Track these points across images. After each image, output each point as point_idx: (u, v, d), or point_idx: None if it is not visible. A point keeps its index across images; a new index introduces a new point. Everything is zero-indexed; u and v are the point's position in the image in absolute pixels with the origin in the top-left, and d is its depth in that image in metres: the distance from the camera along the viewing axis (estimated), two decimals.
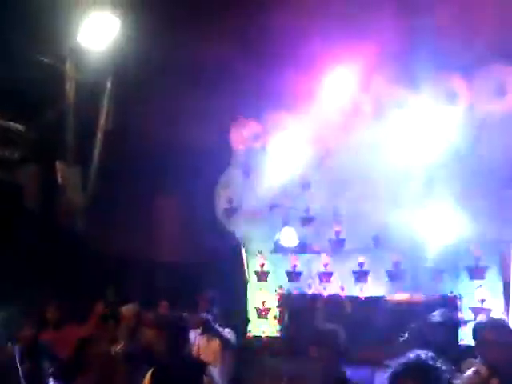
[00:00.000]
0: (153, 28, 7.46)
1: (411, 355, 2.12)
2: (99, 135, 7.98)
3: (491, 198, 5.24)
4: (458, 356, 3.16)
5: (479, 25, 5.87)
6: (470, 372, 3.03)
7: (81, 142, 8.00)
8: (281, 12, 6.71)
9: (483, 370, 2.96)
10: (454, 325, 3.54)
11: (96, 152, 8.01)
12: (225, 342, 4.80)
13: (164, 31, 7.46)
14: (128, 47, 7.55)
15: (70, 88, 7.99)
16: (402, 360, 2.11)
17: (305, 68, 6.52)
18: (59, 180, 7.59)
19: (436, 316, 3.67)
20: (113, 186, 7.70)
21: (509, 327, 2.97)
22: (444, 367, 2.10)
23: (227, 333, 5.03)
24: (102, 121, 7.99)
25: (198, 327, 4.94)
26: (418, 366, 2.07)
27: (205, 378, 3.51)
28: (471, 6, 5.60)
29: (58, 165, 7.62)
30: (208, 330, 4.86)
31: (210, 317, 5.01)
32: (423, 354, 2.13)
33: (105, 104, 7.96)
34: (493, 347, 2.91)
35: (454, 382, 3.05)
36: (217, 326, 4.99)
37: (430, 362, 2.07)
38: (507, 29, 5.55)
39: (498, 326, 2.97)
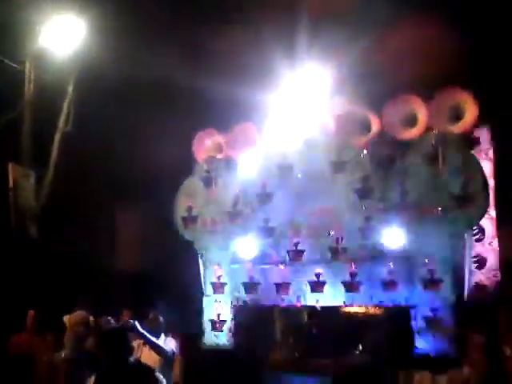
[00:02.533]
0: (117, 35, 7.49)
1: (355, 362, 2.11)
2: (57, 138, 7.80)
3: (445, 214, 5.44)
4: (412, 364, 3.20)
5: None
6: (453, 370, 3.08)
7: (38, 144, 7.80)
8: (245, 25, 6.92)
9: (466, 371, 3.02)
10: (407, 335, 3.58)
11: (53, 155, 7.81)
12: (162, 355, 4.69)
13: (129, 39, 7.50)
14: (92, 52, 7.52)
15: (28, 89, 7.83)
16: (346, 367, 2.10)
17: (269, 81, 6.68)
18: (10, 183, 7.32)
19: (387, 327, 3.74)
20: (70, 192, 7.50)
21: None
22: (388, 374, 2.10)
23: (169, 341, 4.94)
24: (60, 124, 7.83)
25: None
26: (361, 374, 2.06)
27: None
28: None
29: (11, 167, 7.36)
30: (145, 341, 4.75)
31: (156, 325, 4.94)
32: (367, 360, 2.13)
33: (65, 107, 7.83)
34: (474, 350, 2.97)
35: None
36: (162, 335, 4.91)
37: (373, 370, 2.07)
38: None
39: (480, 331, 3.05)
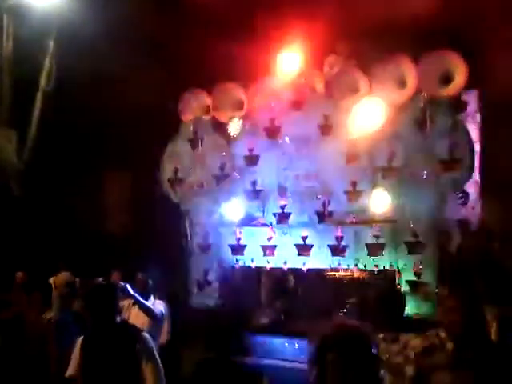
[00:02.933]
0: None
1: (336, 326, 2.10)
2: (38, 96, 7.57)
3: (431, 178, 5.46)
4: (401, 328, 3.25)
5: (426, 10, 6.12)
6: (430, 332, 3.12)
7: (19, 101, 7.56)
8: None
9: (442, 333, 3.06)
10: (398, 298, 3.64)
11: (35, 114, 7.60)
12: (150, 315, 4.75)
13: None
14: (73, 4, 7.20)
15: (6, 44, 7.51)
16: (327, 331, 2.09)
17: (258, 40, 6.49)
18: None
19: (380, 289, 3.78)
20: (54, 151, 7.35)
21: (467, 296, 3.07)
22: (371, 338, 2.10)
23: (158, 304, 5.00)
24: (42, 81, 7.58)
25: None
26: (343, 337, 2.06)
27: (137, 345, 3.41)
28: None
29: None
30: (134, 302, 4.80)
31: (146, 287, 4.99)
32: (348, 324, 2.12)
33: (46, 63, 7.55)
34: (452, 314, 3.01)
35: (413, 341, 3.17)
36: (151, 297, 4.95)
37: (355, 333, 2.07)
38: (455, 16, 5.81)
39: (456, 292, 3.08)
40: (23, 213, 7.11)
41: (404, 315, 3.61)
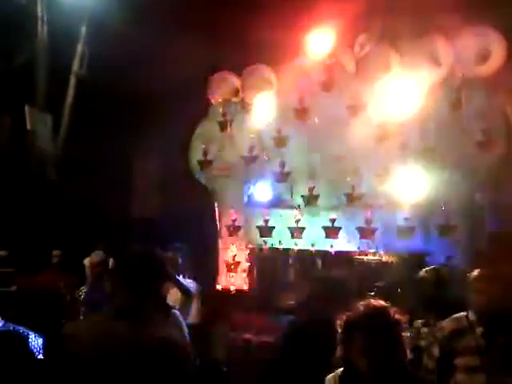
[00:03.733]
0: None
1: (362, 307, 2.08)
2: (72, 81, 7.72)
3: (464, 160, 5.30)
4: (447, 312, 3.18)
5: None
6: (459, 315, 3.06)
7: (53, 87, 7.74)
8: None
9: (472, 317, 3.00)
10: (443, 281, 3.56)
11: (69, 99, 7.76)
12: (184, 291, 4.79)
13: None
14: None
15: (41, 30, 7.67)
16: (354, 311, 2.07)
17: (288, 21, 6.40)
18: (28, 125, 7.34)
19: (426, 272, 3.70)
20: (86, 136, 7.49)
21: (498, 279, 2.99)
22: (398, 317, 2.07)
23: (189, 283, 5.04)
24: (75, 66, 7.73)
25: None
26: (367, 316, 2.04)
27: (168, 321, 3.43)
28: None
29: (28, 109, 7.35)
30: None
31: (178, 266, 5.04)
32: (373, 304, 2.09)
33: (79, 48, 7.69)
34: (482, 297, 2.94)
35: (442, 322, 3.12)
36: (181, 276, 5.00)
37: (379, 312, 2.05)
38: None
39: (487, 276, 3.00)
40: (58, 196, 7.30)
41: (435, 299, 3.52)
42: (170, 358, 2.21)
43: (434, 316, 3.33)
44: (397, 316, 2.04)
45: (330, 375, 2.18)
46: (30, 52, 7.52)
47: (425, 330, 3.48)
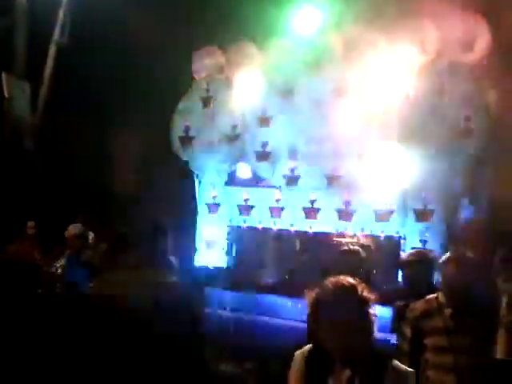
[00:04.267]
0: None
1: (330, 284, 2.09)
2: (52, 50, 7.51)
3: (445, 146, 5.33)
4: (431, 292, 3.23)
5: None
6: (430, 296, 3.11)
7: (33, 55, 7.52)
8: None
9: (441, 299, 3.04)
10: (428, 263, 3.61)
11: (48, 68, 7.56)
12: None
13: None
14: None
15: None
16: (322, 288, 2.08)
17: (275, 0, 6.30)
18: (5, 93, 7.14)
19: (412, 254, 3.75)
20: (64, 106, 7.33)
21: (467, 262, 3.03)
22: (366, 294, 2.10)
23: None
24: (56, 35, 7.51)
25: None
26: (335, 294, 2.05)
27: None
28: None
29: (4, 76, 7.14)
30: None
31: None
32: (342, 282, 2.10)
33: (60, 16, 7.47)
34: (452, 280, 2.99)
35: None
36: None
37: (346, 290, 2.07)
38: None
39: (459, 261, 3.04)
40: (34, 166, 7.16)
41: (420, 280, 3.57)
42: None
43: (417, 298, 3.37)
44: (365, 293, 2.04)
45: (298, 351, 2.19)
46: (9, 17, 7.27)
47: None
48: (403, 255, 3.79)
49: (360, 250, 4.06)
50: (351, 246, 4.26)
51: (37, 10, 7.54)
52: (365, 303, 2.03)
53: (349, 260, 3.90)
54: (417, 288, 3.50)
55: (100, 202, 7.52)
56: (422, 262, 3.61)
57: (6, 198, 6.44)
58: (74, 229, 5.44)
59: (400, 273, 4.37)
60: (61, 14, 7.56)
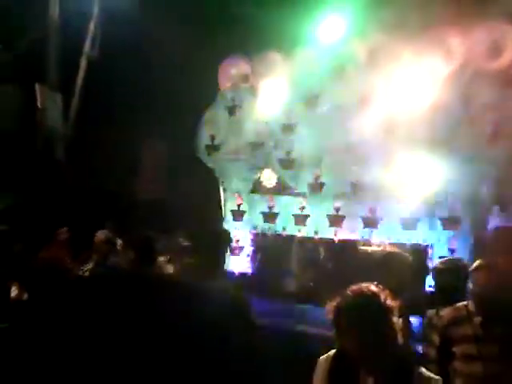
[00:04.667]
0: None
1: (352, 292, 2.08)
2: (83, 62, 7.72)
3: (472, 153, 5.27)
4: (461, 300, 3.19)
5: None
6: (459, 304, 3.08)
7: (64, 67, 7.74)
8: None
9: (471, 307, 3.01)
10: (459, 271, 3.56)
11: (79, 80, 7.77)
12: None
13: None
14: None
15: (53, 10, 7.67)
16: (344, 296, 2.08)
17: (300, 7, 6.36)
18: (38, 104, 7.36)
19: (443, 262, 3.72)
20: (95, 118, 7.51)
21: (497, 270, 3.00)
22: (389, 302, 2.09)
23: None
24: (87, 47, 7.72)
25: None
26: (357, 302, 2.05)
27: None
28: None
29: (38, 88, 7.37)
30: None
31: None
32: (363, 289, 2.10)
33: (91, 29, 7.68)
34: (482, 288, 2.96)
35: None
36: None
37: (368, 297, 2.06)
38: None
39: (489, 269, 3.01)
40: (64, 175, 7.33)
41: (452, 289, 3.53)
42: None
43: (447, 306, 3.32)
44: (388, 301, 2.03)
45: (323, 356, 2.20)
46: (42, 31, 7.52)
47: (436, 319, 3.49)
48: (434, 263, 3.73)
49: (403, 254, 4.01)
50: (393, 249, 4.20)
51: (68, 23, 7.77)
52: (388, 311, 2.02)
53: (390, 264, 3.87)
54: (447, 296, 3.45)
55: (128, 211, 7.64)
56: (453, 270, 3.56)
57: (39, 206, 6.60)
58: (101, 235, 5.56)
59: (429, 281, 4.31)
60: (91, 27, 7.77)
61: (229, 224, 6.50)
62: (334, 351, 2.17)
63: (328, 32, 6.21)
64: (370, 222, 5.58)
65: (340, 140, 5.94)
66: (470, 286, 3.06)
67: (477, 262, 3.08)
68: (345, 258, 5.99)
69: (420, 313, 3.60)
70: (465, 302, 3.07)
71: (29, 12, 7.49)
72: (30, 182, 6.73)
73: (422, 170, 5.41)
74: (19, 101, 7.35)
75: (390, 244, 5.67)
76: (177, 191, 7.27)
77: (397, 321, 2.02)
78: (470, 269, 3.10)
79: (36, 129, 7.33)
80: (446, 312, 3.12)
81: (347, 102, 5.95)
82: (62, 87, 7.91)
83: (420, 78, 5.61)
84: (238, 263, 6.31)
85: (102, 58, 7.96)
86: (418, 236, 5.36)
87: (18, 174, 6.63)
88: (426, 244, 5.31)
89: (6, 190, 6.41)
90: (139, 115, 7.58)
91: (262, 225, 6.30)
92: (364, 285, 2.07)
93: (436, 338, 3.14)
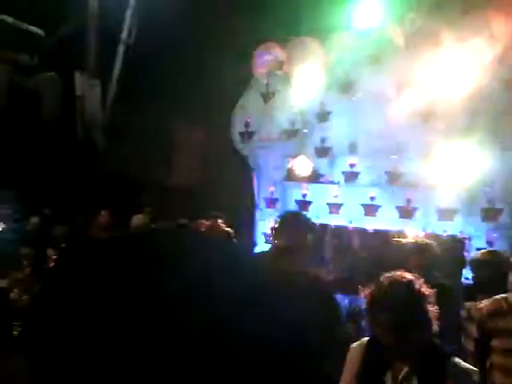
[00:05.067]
0: None
1: (386, 281, 2.06)
2: (121, 49, 7.83)
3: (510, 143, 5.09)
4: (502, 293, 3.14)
5: None
6: (498, 297, 3.02)
7: (102, 54, 7.87)
8: None
9: (511, 299, 2.95)
10: (500, 263, 3.49)
11: (117, 66, 7.88)
12: None
13: None
14: None
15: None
16: (378, 285, 2.07)
17: None
18: (77, 91, 7.52)
19: (483, 254, 3.65)
20: (132, 105, 7.61)
21: None
22: (423, 290, 2.08)
23: None
24: (124, 35, 7.82)
25: None
26: (392, 291, 2.03)
27: None
28: None
29: (77, 75, 7.53)
30: None
31: None
32: (397, 278, 2.08)
33: (128, 17, 7.76)
34: None
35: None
36: None
37: (403, 286, 2.04)
38: None
39: None
40: (103, 161, 7.49)
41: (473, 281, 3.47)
42: None
43: (488, 298, 3.26)
44: (422, 289, 2.01)
45: (356, 343, 2.20)
46: (80, 19, 7.65)
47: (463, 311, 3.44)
48: (475, 255, 3.65)
49: (434, 244, 3.95)
50: (425, 240, 4.14)
51: (106, 11, 7.88)
52: (422, 299, 2.00)
53: (420, 254, 3.82)
54: (487, 289, 3.38)
55: (165, 197, 7.76)
56: (493, 262, 3.48)
57: (80, 192, 6.78)
58: (137, 220, 5.70)
59: (468, 273, 4.22)
60: (128, 15, 7.85)
61: (262, 211, 6.53)
62: (366, 338, 2.17)
63: (364, 17, 6.08)
64: (405, 212, 5.48)
65: (376, 128, 5.84)
66: (510, 278, 2.99)
67: None
68: (379, 247, 5.93)
69: (457, 304, 3.54)
70: (504, 295, 3.00)
71: (68, 1, 7.64)
72: (71, 169, 6.91)
73: (461, 159, 5.26)
74: (60, 89, 7.52)
75: (426, 234, 5.58)
76: (210, 178, 7.33)
77: (432, 308, 2.00)
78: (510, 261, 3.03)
79: (75, 117, 7.50)
80: (484, 304, 3.06)
81: (384, 89, 5.82)
82: (101, 73, 8.06)
83: (461, 64, 5.42)
84: None
85: (139, 44, 8.04)
86: (454, 227, 5.23)
87: (59, 162, 6.82)
88: (463, 236, 5.18)
89: (47, 178, 6.61)
90: (176, 102, 7.65)
91: None
92: (398, 273, 2.07)
93: (474, 331, 3.09)
